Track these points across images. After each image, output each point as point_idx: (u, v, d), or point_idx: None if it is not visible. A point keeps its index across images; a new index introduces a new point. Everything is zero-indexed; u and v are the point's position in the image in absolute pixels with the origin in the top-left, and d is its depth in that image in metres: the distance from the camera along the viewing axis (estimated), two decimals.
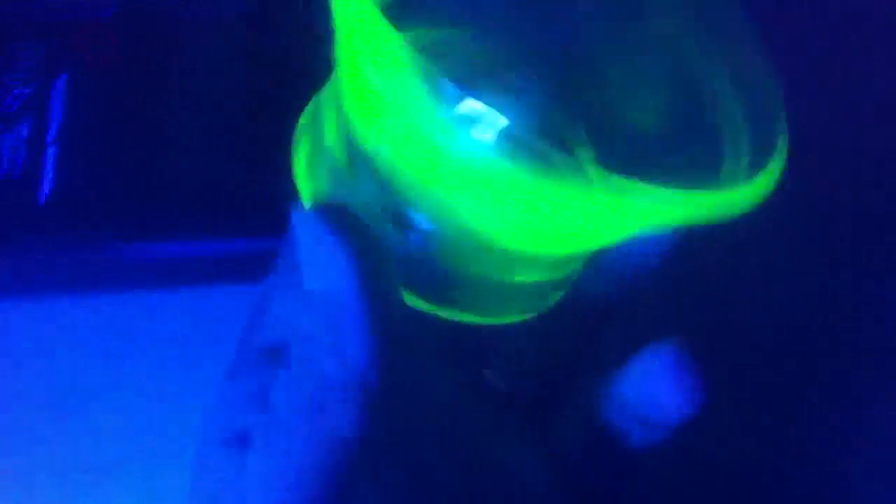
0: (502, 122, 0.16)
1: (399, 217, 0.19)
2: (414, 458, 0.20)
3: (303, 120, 0.22)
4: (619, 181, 0.15)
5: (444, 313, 0.19)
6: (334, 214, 0.18)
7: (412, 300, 0.19)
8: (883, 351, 0.32)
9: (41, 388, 0.31)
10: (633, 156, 0.21)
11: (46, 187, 0.31)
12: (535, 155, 0.16)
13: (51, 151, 0.31)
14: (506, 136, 0.16)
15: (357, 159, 0.19)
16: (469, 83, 0.21)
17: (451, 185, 0.18)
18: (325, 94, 0.22)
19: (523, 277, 0.20)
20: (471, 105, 0.16)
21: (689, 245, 0.20)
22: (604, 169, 0.16)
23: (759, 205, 0.18)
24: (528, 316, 0.20)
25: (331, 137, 0.20)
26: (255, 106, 0.31)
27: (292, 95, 0.31)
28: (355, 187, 0.19)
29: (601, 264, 0.21)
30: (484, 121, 0.16)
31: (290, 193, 0.29)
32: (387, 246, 0.18)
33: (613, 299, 0.22)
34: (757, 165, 0.18)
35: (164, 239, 0.30)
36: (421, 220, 0.19)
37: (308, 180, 0.21)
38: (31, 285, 0.32)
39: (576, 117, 0.23)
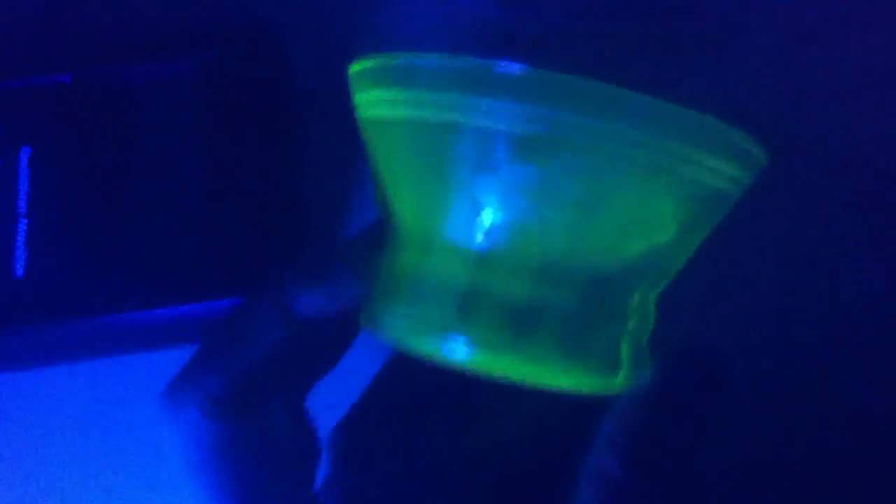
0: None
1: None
2: None
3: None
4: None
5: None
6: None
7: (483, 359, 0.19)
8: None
9: (19, 456, 0.31)
10: None
11: (21, 261, 0.30)
12: None
13: (22, 225, 0.31)
14: None
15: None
16: None
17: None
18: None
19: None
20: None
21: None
22: None
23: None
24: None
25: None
26: (218, 163, 0.31)
27: (254, 149, 0.31)
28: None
29: None
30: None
31: (253, 252, 0.30)
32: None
33: None
34: None
35: (138, 306, 0.30)
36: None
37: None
38: (8, 359, 0.32)
39: None
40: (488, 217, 0.18)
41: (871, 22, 0.35)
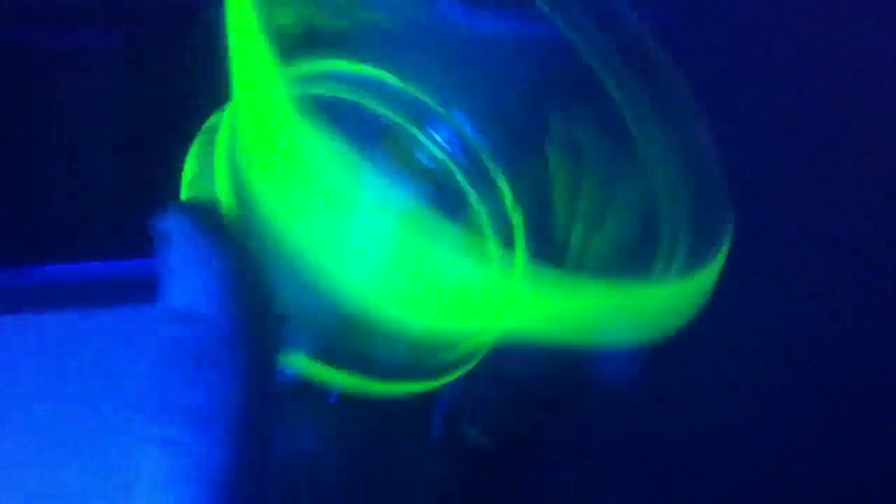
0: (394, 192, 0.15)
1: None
2: None
3: (192, 149, 0.21)
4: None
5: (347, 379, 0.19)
6: (203, 217, 0.17)
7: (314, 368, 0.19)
8: None
9: None
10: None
11: None
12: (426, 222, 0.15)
13: None
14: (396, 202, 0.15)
15: (246, 204, 0.18)
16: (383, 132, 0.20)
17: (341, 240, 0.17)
18: (217, 128, 0.21)
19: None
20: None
21: None
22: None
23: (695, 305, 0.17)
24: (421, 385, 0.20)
25: (221, 179, 0.20)
26: (134, 133, 0.31)
27: (173, 123, 0.31)
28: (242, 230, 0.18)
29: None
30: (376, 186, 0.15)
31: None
32: (262, 263, 0.17)
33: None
34: (693, 265, 0.17)
35: (43, 261, 0.30)
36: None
37: None
38: None
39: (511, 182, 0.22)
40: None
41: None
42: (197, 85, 0.32)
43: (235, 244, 0.17)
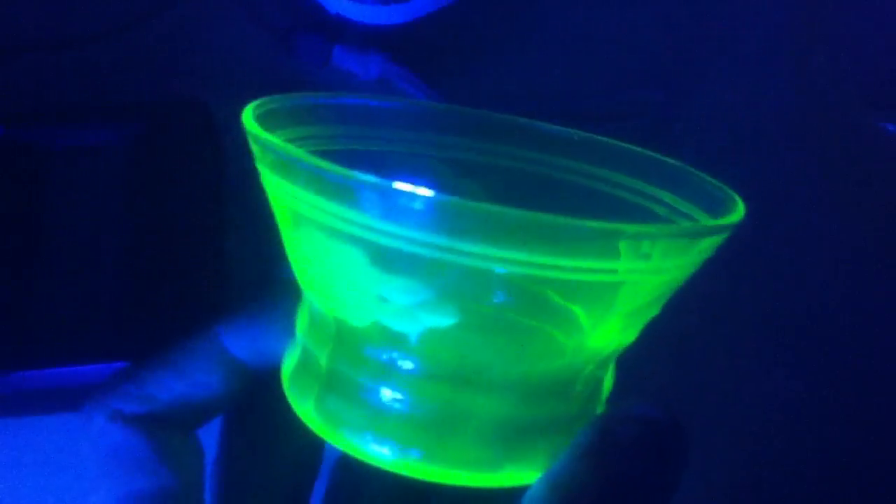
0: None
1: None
2: None
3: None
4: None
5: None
6: None
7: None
8: None
9: None
10: None
11: None
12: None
13: None
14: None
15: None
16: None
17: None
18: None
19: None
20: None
21: None
22: None
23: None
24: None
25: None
26: (141, 231, 0.32)
27: (179, 220, 0.32)
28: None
29: None
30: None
31: (173, 319, 0.30)
32: None
33: None
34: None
35: (51, 364, 0.30)
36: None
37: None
38: None
39: None
40: (400, 320, 0.17)
41: None
42: (201, 180, 0.33)
43: None
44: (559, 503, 0.17)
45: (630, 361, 0.20)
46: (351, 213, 0.15)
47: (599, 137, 0.22)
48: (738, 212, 0.18)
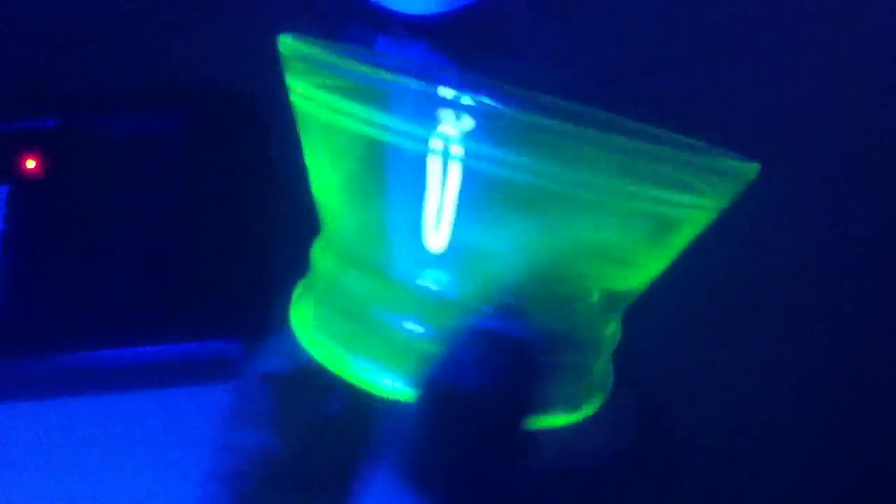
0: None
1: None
2: None
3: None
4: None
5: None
6: None
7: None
8: None
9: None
10: None
11: None
12: None
13: None
14: None
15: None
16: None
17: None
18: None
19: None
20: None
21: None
22: None
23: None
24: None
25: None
26: (192, 218, 0.33)
27: (228, 206, 0.33)
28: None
29: None
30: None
31: (223, 302, 0.31)
32: None
33: None
34: None
35: (110, 345, 0.31)
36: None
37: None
38: None
39: None
40: (437, 250, 0.17)
41: None
42: (248, 168, 0.34)
43: None
44: None
45: (630, 359, 0.20)
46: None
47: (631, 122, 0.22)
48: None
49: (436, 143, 0.15)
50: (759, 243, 0.34)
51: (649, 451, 0.27)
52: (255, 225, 0.32)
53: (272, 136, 0.33)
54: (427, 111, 0.15)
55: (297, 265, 0.23)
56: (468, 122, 0.15)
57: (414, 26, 0.38)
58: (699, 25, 0.40)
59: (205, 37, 0.38)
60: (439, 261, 0.17)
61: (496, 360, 0.17)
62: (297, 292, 0.21)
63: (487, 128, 0.15)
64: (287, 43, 0.18)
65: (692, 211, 0.17)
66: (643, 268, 0.19)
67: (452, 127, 0.15)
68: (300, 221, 0.23)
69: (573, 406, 0.19)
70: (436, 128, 0.15)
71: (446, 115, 0.15)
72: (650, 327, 0.20)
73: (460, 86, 0.16)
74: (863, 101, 0.39)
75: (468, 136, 0.15)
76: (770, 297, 0.35)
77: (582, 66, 0.39)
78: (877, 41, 0.41)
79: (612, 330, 0.20)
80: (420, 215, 0.17)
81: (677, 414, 0.29)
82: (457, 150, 0.15)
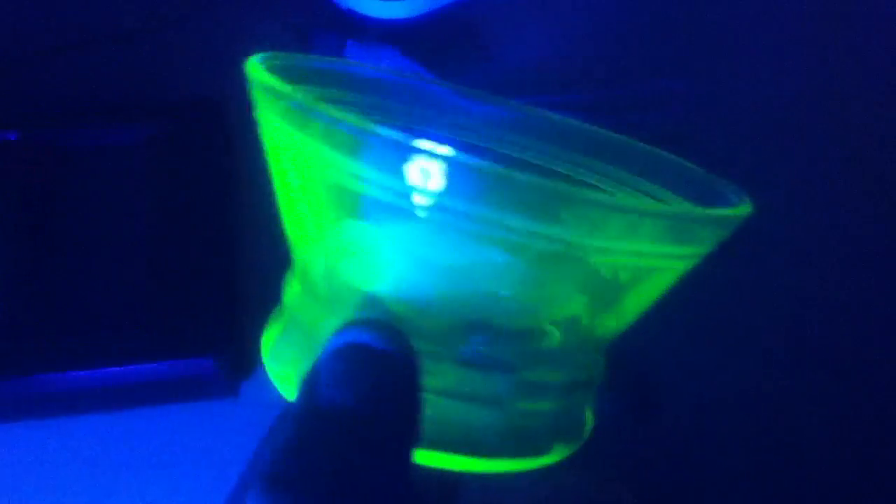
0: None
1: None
2: None
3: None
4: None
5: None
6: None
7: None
8: None
9: None
10: None
11: None
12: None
13: None
14: None
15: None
16: None
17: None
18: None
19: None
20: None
21: None
22: None
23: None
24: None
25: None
26: (159, 227, 0.32)
27: (195, 216, 0.32)
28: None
29: None
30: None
31: (190, 315, 0.30)
32: None
33: None
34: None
35: (73, 367, 0.30)
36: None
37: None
38: None
39: None
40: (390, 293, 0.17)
41: None
42: (213, 178, 0.33)
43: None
44: None
45: (627, 355, 0.20)
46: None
47: (613, 134, 0.22)
48: (744, 207, 0.18)
49: (402, 192, 0.15)
50: (759, 243, 0.34)
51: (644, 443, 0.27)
52: (224, 239, 0.32)
53: (242, 147, 0.33)
54: (396, 163, 0.15)
55: (276, 281, 0.22)
56: (438, 178, 0.14)
57: (383, 32, 0.37)
58: (699, 25, 0.40)
59: (172, 49, 0.38)
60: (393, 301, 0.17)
61: (360, 376, 0.16)
62: (271, 317, 0.21)
63: (457, 183, 0.14)
64: (255, 69, 0.17)
65: (675, 261, 0.17)
66: (622, 314, 0.18)
67: (421, 180, 0.15)
68: (277, 236, 0.22)
69: (534, 450, 0.18)
70: (403, 179, 0.15)
71: (415, 168, 0.15)
72: (649, 326, 0.19)
73: (433, 138, 0.15)
74: (863, 102, 0.39)
75: (437, 190, 0.15)
76: (770, 297, 0.35)
77: (565, 68, 0.38)
78: (876, 41, 0.41)
79: (585, 375, 0.19)
80: (381, 256, 0.17)
81: (674, 411, 0.29)
82: (425, 200, 0.15)
